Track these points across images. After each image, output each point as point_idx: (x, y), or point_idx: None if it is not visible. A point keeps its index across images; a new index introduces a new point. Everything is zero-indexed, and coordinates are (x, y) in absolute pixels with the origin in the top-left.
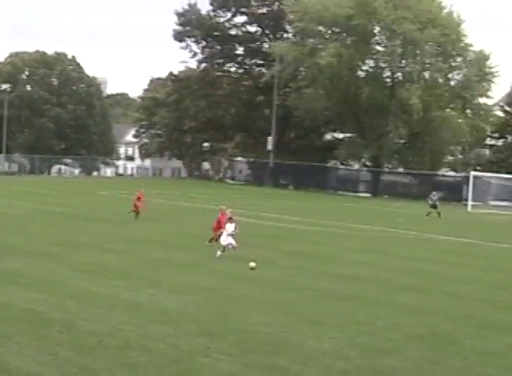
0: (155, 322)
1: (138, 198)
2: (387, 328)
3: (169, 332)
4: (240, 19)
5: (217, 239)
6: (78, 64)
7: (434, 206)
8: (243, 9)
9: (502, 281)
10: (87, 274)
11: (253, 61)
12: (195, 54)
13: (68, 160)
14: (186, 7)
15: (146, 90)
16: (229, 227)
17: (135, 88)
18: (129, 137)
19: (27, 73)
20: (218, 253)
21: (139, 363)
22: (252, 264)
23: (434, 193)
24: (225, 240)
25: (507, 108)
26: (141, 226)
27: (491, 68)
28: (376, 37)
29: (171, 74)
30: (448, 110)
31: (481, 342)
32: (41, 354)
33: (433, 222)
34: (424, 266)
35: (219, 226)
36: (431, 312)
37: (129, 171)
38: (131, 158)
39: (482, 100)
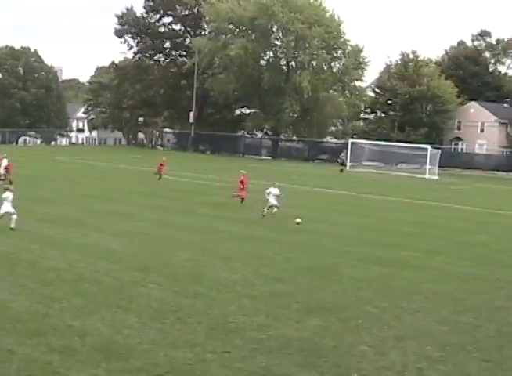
0: (102, 259)
1: (161, 165)
2: (283, 261)
3: (113, 267)
4: (167, 19)
5: (243, 198)
6: (39, 56)
7: (342, 164)
8: (170, 12)
9: (374, 224)
10: (47, 223)
11: (177, 53)
12: (131, 47)
13: (31, 133)
14: (124, 10)
15: (93, 76)
16: (274, 190)
17: (85, 75)
18: (80, 114)
19: None
20: (265, 211)
21: (90, 292)
22: (298, 220)
23: (342, 153)
24: (271, 200)
25: (377, 90)
26: (89, 184)
27: (364, 58)
28: (275, 34)
29: (113, 62)
30: (331, 91)
31: (357, 272)
32: (12, 286)
33: (317, 178)
34: (310, 213)
35: (243, 187)
36: (318, 249)
37: (80, 141)
38: (81, 130)
39: (358, 83)
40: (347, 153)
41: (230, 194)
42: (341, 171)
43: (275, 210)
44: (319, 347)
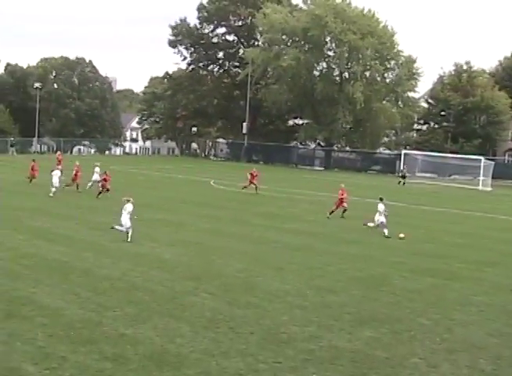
0: (155, 269)
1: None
2: (335, 272)
3: (166, 277)
4: (221, 30)
5: (345, 209)
6: (94, 66)
7: (403, 176)
8: (223, 23)
9: (424, 236)
10: (100, 231)
11: (231, 63)
12: (185, 58)
13: (86, 142)
14: (178, 21)
15: (146, 86)
16: (380, 207)
17: (139, 85)
18: (134, 124)
19: (54, 74)
20: (370, 224)
21: (143, 301)
22: (401, 235)
23: (405, 166)
24: (378, 219)
25: (430, 100)
26: (142, 194)
27: (417, 69)
28: (328, 45)
29: (166, 73)
30: (384, 102)
31: (409, 283)
32: (66, 294)
33: (370, 189)
34: (361, 224)
35: (341, 201)
36: (370, 260)
37: (134, 151)
38: (135, 140)
39: (411, 94)
40: (413, 166)
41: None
42: (399, 183)
43: (383, 229)
44: (370, 358)
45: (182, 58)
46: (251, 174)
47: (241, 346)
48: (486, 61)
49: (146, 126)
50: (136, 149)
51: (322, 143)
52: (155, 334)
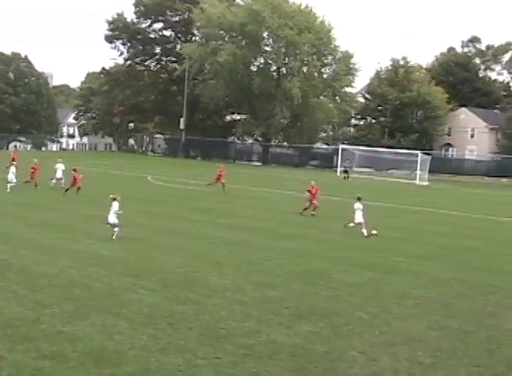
0: (93, 265)
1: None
2: (274, 267)
3: (104, 273)
4: (158, 25)
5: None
6: (30, 62)
7: (345, 171)
8: (160, 17)
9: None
10: (36, 228)
11: (168, 58)
12: (122, 53)
13: (22, 138)
14: (115, 16)
15: (83, 82)
16: (358, 205)
17: (75, 81)
18: (70, 119)
19: None
20: (350, 225)
21: (81, 297)
22: (374, 231)
23: (347, 161)
24: (357, 218)
25: (367, 95)
26: (74, 190)
27: (354, 65)
28: (265, 40)
29: (103, 68)
30: (321, 97)
31: (348, 277)
32: (3, 292)
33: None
34: (300, 219)
35: (314, 197)
36: (308, 254)
37: (70, 147)
38: (72, 136)
39: (348, 89)
40: (352, 160)
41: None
42: (344, 178)
43: (363, 230)
44: (309, 353)
45: (119, 53)
46: (220, 172)
47: (180, 342)
48: (423, 57)
49: (83, 122)
50: (73, 145)
51: (259, 138)
52: (93, 331)
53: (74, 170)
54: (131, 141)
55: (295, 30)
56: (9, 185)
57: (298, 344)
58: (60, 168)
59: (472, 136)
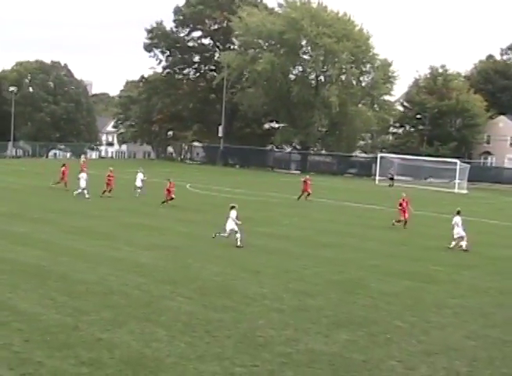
0: (132, 273)
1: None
2: (312, 276)
3: (143, 281)
4: (196, 33)
5: (406, 221)
6: (69, 70)
7: (391, 178)
8: (199, 26)
9: (400, 238)
10: (77, 236)
11: (207, 67)
12: (161, 61)
13: (61, 146)
14: (154, 25)
15: (122, 90)
16: (458, 219)
17: (114, 89)
18: (109, 127)
19: (29, 77)
20: (452, 244)
21: (119, 305)
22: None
23: (392, 168)
24: (458, 231)
25: (405, 104)
26: (117, 199)
27: (393, 73)
28: (303, 48)
29: (142, 77)
30: (360, 105)
31: (386, 286)
32: (42, 299)
33: (347, 192)
34: (338, 227)
35: (404, 211)
36: (346, 263)
37: (110, 155)
38: (111, 144)
39: (386, 97)
40: (395, 168)
41: (392, 223)
42: (390, 185)
43: (463, 243)
44: (348, 361)
45: (158, 61)
46: (305, 181)
47: (217, 350)
48: (461, 64)
49: (122, 130)
50: (112, 153)
51: (298, 147)
52: (131, 338)
53: (168, 180)
54: (170, 149)
55: (333, 38)
56: (79, 190)
57: (336, 352)
58: (140, 176)
59: (511, 144)
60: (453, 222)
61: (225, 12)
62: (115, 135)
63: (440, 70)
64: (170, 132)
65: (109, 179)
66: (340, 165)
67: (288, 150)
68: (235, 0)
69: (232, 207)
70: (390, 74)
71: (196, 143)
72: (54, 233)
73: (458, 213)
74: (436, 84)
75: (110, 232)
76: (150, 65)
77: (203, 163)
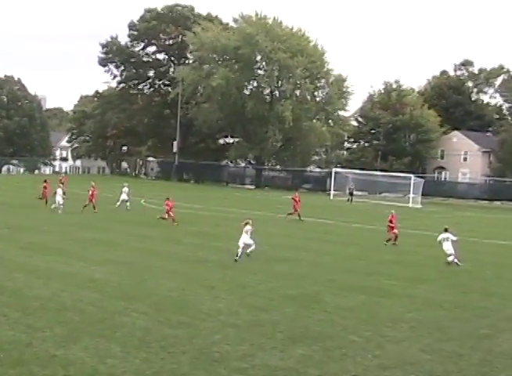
0: (85, 289)
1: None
2: (267, 290)
3: (97, 296)
4: (151, 48)
5: (396, 236)
6: (23, 85)
7: (351, 193)
8: (154, 41)
9: (356, 253)
10: (30, 251)
11: (161, 82)
12: (115, 76)
13: (15, 161)
14: (109, 39)
15: (76, 105)
16: (446, 235)
17: (69, 104)
18: (63, 142)
19: None
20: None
21: (73, 321)
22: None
23: (351, 184)
24: (448, 248)
25: (360, 119)
26: (70, 213)
27: (347, 88)
28: (258, 64)
29: (96, 92)
30: (314, 120)
31: (341, 300)
32: None
33: (301, 207)
34: (293, 242)
35: (392, 227)
36: (301, 278)
37: (64, 170)
38: (65, 159)
39: (341, 113)
40: (354, 184)
41: (384, 241)
42: (348, 200)
43: (453, 259)
44: None
45: (113, 76)
46: (294, 199)
47: (173, 366)
48: (415, 80)
49: (76, 145)
50: (66, 168)
51: (252, 162)
52: (86, 354)
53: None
54: (125, 164)
55: (288, 53)
56: (54, 205)
57: (292, 367)
58: (125, 191)
59: (465, 159)
60: (439, 239)
61: (180, 27)
62: (69, 150)
63: (394, 86)
64: (124, 147)
65: (91, 194)
66: (294, 180)
67: (243, 165)
68: (189, 15)
69: (247, 224)
70: (344, 89)
71: (150, 158)
72: (7, 248)
73: (445, 230)
74: (390, 99)
75: (64, 247)
76: (105, 80)
77: (158, 178)
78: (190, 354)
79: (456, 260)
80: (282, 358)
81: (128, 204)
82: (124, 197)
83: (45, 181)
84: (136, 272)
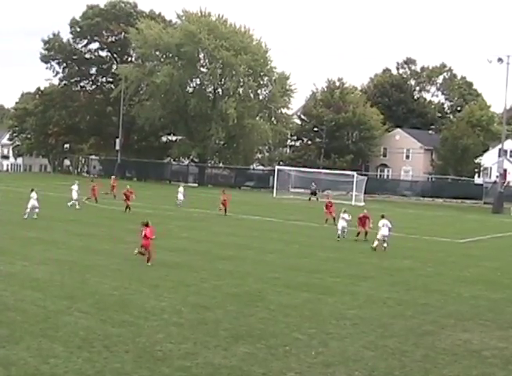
0: (27, 288)
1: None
2: (211, 289)
3: (39, 296)
4: (94, 45)
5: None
6: None
7: (313, 193)
8: (96, 38)
9: (299, 251)
10: None
11: (104, 79)
12: (57, 73)
13: None
14: (51, 36)
15: (18, 102)
16: (385, 221)
17: (10, 101)
18: (4, 140)
19: None
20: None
21: (15, 321)
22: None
23: (313, 183)
24: (382, 234)
25: (303, 117)
26: (13, 212)
27: (290, 86)
28: (201, 61)
29: (38, 89)
30: (257, 118)
31: (284, 298)
32: None
33: (245, 205)
34: (237, 240)
35: (363, 224)
36: (245, 276)
37: (4, 168)
38: (6, 157)
39: (284, 110)
40: (281, 182)
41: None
42: (309, 199)
43: (385, 244)
44: (247, 374)
45: (55, 73)
46: (327, 205)
47: (116, 365)
48: (358, 78)
49: (18, 143)
50: (7, 166)
51: (195, 159)
52: (28, 354)
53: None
54: (67, 162)
55: (231, 51)
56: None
57: (235, 365)
58: (75, 188)
59: (407, 157)
60: (380, 225)
61: (123, 24)
62: (10, 148)
63: (337, 84)
64: (66, 145)
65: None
66: (237, 178)
67: (186, 162)
68: (132, 12)
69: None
70: (287, 87)
71: (93, 156)
72: None
73: (382, 217)
74: (333, 97)
75: (5, 246)
76: (47, 77)
77: (100, 176)
78: (133, 353)
79: (385, 244)
80: (225, 356)
81: (76, 203)
82: (74, 195)
83: (92, 180)
84: (79, 272)
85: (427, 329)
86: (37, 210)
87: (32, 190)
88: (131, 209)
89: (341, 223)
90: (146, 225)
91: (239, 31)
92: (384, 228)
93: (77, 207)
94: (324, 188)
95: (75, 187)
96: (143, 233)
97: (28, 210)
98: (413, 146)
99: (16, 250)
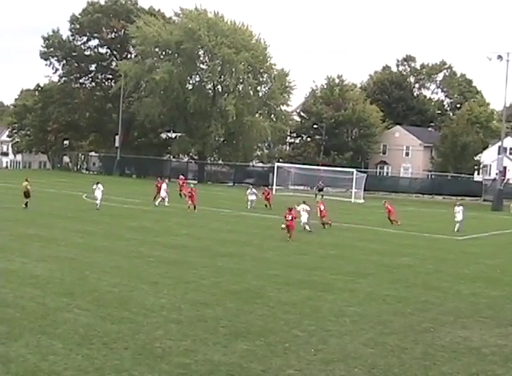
0: (27, 285)
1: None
2: (210, 286)
3: (38, 293)
4: (93, 42)
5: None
6: None
7: (320, 190)
8: (96, 35)
9: (298, 248)
10: None
11: (103, 76)
12: (57, 70)
13: None
14: (50, 32)
15: (17, 99)
16: (303, 207)
17: (9, 98)
18: (4, 137)
19: None
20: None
21: (15, 317)
22: (283, 225)
23: (320, 182)
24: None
25: (302, 114)
26: (13, 209)
27: (290, 83)
28: (201, 58)
29: (37, 85)
30: (257, 115)
31: (284, 295)
32: None
33: (244, 202)
34: (237, 237)
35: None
36: (244, 273)
37: (4, 165)
38: (5, 154)
39: (284, 108)
40: (281, 179)
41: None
42: (315, 196)
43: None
44: (246, 371)
45: (54, 70)
46: (263, 193)
47: (115, 362)
48: (358, 75)
49: (17, 139)
50: (7, 162)
51: (195, 156)
52: (27, 351)
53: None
54: (66, 159)
55: (231, 48)
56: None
57: (235, 362)
58: (100, 188)
59: (407, 154)
60: (299, 209)
61: (123, 20)
62: (10, 145)
63: (337, 81)
64: (66, 142)
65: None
66: (237, 175)
67: (185, 159)
68: (132, 9)
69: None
70: (287, 84)
71: (92, 153)
72: None
73: (303, 202)
74: (333, 94)
75: (4, 243)
76: (46, 73)
77: (100, 173)
78: (133, 350)
79: (307, 227)
80: (225, 353)
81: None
82: (98, 194)
83: (160, 178)
84: (78, 268)
85: (427, 326)
86: (98, 201)
87: (98, 183)
88: (195, 208)
89: (304, 216)
90: (290, 209)
91: (238, 28)
92: (303, 213)
93: (98, 207)
94: (324, 185)
95: (100, 187)
96: (289, 217)
97: (98, 201)
98: (413, 144)
99: (16, 247)
